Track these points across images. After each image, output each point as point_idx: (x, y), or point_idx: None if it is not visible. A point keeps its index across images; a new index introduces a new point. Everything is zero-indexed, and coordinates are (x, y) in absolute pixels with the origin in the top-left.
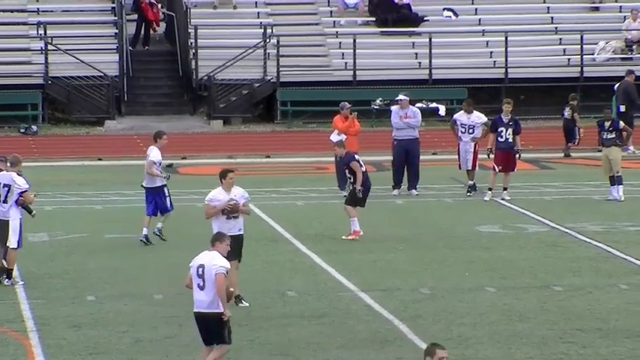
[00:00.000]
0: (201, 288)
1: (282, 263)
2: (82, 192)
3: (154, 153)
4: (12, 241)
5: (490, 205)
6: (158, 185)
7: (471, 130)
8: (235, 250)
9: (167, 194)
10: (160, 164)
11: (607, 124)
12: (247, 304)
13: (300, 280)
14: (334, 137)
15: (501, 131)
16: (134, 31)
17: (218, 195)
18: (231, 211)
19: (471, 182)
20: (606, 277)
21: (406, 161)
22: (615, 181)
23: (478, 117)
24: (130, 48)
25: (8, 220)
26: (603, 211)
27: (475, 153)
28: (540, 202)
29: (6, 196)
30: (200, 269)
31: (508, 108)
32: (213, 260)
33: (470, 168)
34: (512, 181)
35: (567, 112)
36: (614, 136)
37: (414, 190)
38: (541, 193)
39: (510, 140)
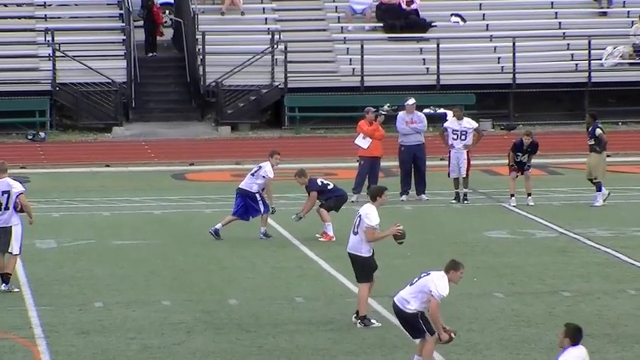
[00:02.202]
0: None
1: (291, 269)
2: (89, 198)
3: (269, 168)
4: (15, 248)
5: (498, 210)
6: (253, 191)
7: (463, 137)
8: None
9: (259, 199)
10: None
11: (590, 130)
12: (379, 325)
13: (308, 287)
14: (359, 141)
15: (519, 155)
16: (145, 37)
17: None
18: (401, 236)
19: (465, 190)
20: (615, 283)
21: (414, 167)
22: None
23: (469, 123)
24: (152, 54)
25: (11, 227)
26: (612, 217)
27: (468, 161)
28: (548, 208)
29: (7, 203)
30: (422, 274)
31: (528, 140)
32: (438, 282)
33: (464, 176)
34: (519, 186)
35: None
36: (592, 142)
37: (423, 196)
38: (549, 198)
39: (525, 161)
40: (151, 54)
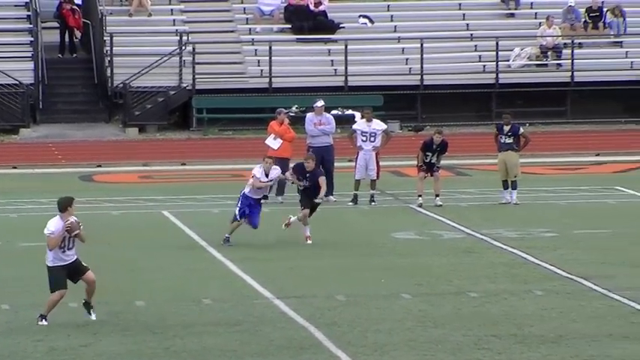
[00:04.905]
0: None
1: (198, 271)
2: None
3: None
4: None
5: (406, 211)
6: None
7: (372, 138)
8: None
9: (239, 202)
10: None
11: (506, 128)
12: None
13: (215, 288)
14: (270, 141)
15: (428, 154)
16: (59, 39)
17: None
18: (70, 230)
19: (372, 191)
20: (521, 283)
21: (322, 168)
22: (512, 185)
23: (378, 124)
24: (60, 55)
25: None
26: (518, 218)
27: (378, 163)
28: (456, 209)
29: None
30: None
31: (439, 138)
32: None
33: (374, 178)
34: (427, 187)
35: None
36: (511, 141)
37: (331, 197)
38: (456, 199)
39: (434, 162)
40: (71, 55)
